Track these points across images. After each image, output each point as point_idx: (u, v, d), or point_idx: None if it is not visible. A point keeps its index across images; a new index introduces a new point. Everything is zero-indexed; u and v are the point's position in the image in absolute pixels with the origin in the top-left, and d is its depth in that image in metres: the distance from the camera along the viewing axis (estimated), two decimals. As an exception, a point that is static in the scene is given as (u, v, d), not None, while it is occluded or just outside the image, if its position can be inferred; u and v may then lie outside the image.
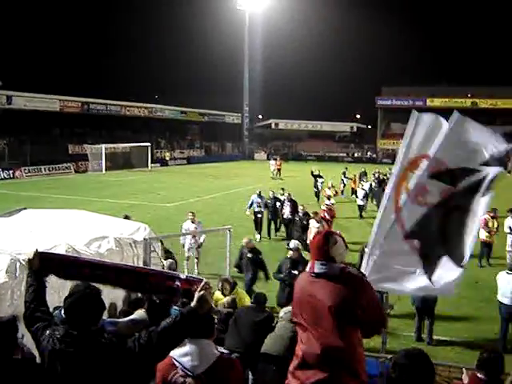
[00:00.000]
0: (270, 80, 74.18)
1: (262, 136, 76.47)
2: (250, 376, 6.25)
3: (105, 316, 4.26)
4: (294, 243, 10.44)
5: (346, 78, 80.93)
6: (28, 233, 6.72)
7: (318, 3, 78.16)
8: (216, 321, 6.70)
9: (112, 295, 6.42)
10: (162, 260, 8.65)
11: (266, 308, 7.08)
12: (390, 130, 67.71)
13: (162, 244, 9.62)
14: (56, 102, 47.25)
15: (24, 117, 42.74)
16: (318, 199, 25.79)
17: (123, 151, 49.33)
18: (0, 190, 29.29)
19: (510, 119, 58.44)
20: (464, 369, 4.59)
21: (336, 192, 24.56)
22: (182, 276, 3.77)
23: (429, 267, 4.48)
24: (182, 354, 3.59)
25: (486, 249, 14.77)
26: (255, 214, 18.13)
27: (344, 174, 30.55)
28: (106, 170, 44.02)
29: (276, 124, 77.65)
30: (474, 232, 4.57)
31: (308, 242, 13.87)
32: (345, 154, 68.77)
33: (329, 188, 23.58)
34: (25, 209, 8.45)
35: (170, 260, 9.28)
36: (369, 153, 69.03)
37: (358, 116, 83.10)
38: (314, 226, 14.51)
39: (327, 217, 16.22)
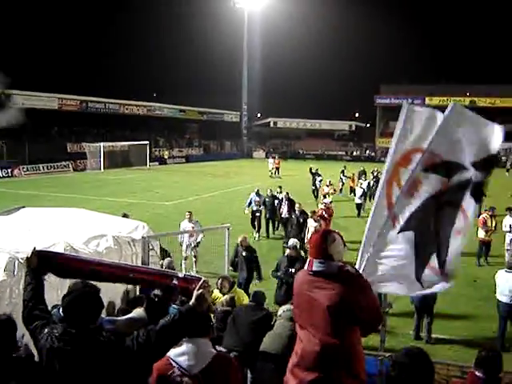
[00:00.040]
0: (268, 78, 74.19)
1: (261, 134, 76.46)
2: (249, 374, 6.26)
3: (103, 314, 4.26)
4: (292, 241, 10.45)
5: (345, 77, 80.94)
6: (26, 231, 6.72)
7: (316, 1, 78.17)
8: (214, 319, 6.72)
9: (110, 293, 6.43)
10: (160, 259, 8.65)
11: (264, 306, 7.08)
12: (388, 128, 67.60)
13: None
14: (54, 101, 47.21)
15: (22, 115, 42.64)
16: (317, 197, 25.80)
17: (122, 150, 49.31)
18: (-2, 188, 29.29)
19: (508, 118, 58.50)
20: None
21: (334, 190, 24.55)
22: (180, 275, 3.77)
23: (419, 264, 4.42)
24: (179, 354, 3.58)
25: (484, 247, 14.80)
26: (253, 212, 18.14)
27: (342, 172, 30.52)
28: (104, 168, 44.04)
29: (275, 122, 77.66)
30: (462, 240, 4.44)
31: (306, 240, 13.89)
32: (343, 153, 68.79)
33: (327, 186, 23.57)
34: (23, 207, 8.44)
35: (169, 258, 9.29)
36: (367, 151, 69.08)
37: (357, 114, 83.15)
38: (311, 225, 14.52)
39: (325, 215, 16.21)
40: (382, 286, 4.58)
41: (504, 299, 9.03)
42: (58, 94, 47.62)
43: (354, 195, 24.36)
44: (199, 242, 13.15)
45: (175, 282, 3.63)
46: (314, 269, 3.74)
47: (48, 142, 44.06)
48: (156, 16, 78.41)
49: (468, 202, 4.40)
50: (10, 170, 38.42)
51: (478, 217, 14.97)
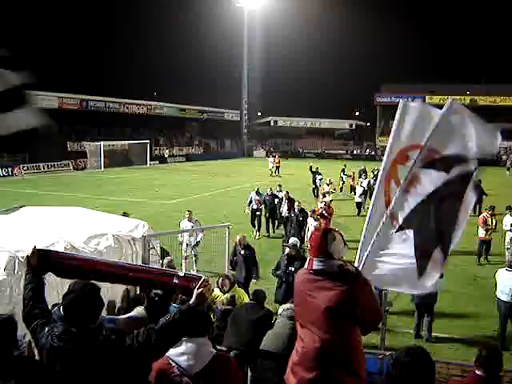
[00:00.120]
0: (268, 77, 74.06)
1: (261, 133, 76.43)
2: (250, 373, 6.25)
3: (103, 314, 4.26)
4: (292, 240, 10.45)
5: (345, 75, 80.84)
6: (27, 230, 6.72)
7: (317, 0, 78.10)
8: (214, 318, 6.73)
9: (111, 293, 6.44)
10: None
11: (264, 305, 7.08)
12: (389, 127, 67.47)
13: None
14: (54, 99, 47.16)
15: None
16: (317, 196, 25.80)
17: (122, 148, 49.34)
18: (-1, 187, 29.30)
19: (509, 117, 58.51)
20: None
21: (334, 189, 24.53)
22: (181, 273, 3.77)
23: (421, 262, 4.40)
24: (178, 354, 3.57)
25: (484, 246, 14.80)
26: (254, 211, 18.15)
27: (343, 171, 30.50)
28: (104, 167, 44.04)
29: (275, 121, 77.59)
30: (463, 226, 4.44)
31: (306, 239, 13.90)
32: (344, 152, 68.69)
33: (327, 185, 23.56)
34: (23, 206, 8.44)
35: (169, 257, 9.29)
36: (368, 150, 69.01)
37: (357, 113, 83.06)
38: (311, 224, 14.53)
39: (325, 214, 16.22)
40: (382, 282, 4.58)
41: (504, 298, 9.03)
42: (58, 92, 47.57)
43: (355, 194, 24.33)
44: (199, 242, 13.14)
45: (176, 280, 3.63)
46: (314, 267, 3.74)
47: (48, 141, 43.97)
48: (156, 15, 78.37)
49: (469, 195, 4.39)
50: (10, 169, 38.42)
51: (479, 216, 14.98)
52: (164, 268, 7.37)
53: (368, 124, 78.84)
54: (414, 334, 9.50)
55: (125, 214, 11.38)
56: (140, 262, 7.42)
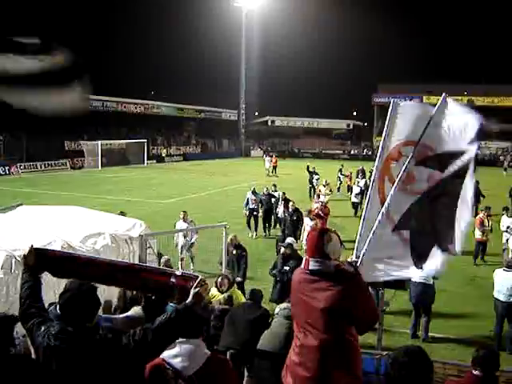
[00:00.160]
0: (266, 77, 73.96)
1: (259, 133, 76.39)
2: (246, 373, 6.25)
3: (100, 313, 4.25)
4: (288, 240, 10.46)
5: (343, 75, 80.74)
6: (24, 229, 6.71)
7: (314, 0, 78.05)
8: (212, 318, 6.72)
9: (107, 292, 6.42)
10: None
11: (261, 305, 7.07)
12: (386, 127, 67.67)
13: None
14: (52, 98, 47.03)
15: (20, 113, 42.50)
16: (312, 196, 25.76)
17: (119, 147, 49.28)
18: (-4, 186, 29.23)
19: (506, 117, 58.64)
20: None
21: (330, 191, 24.48)
22: (178, 272, 3.76)
23: (419, 258, 4.41)
24: (173, 356, 3.54)
25: (481, 247, 14.82)
26: (251, 211, 18.14)
27: (340, 171, 30.50)
28: (102, 166, 43.97)
29: (272, 121, 77.59)
30: (467, 218, 4.47)
31: (301, 239, 13.92)
32: (341, 152, 68.73)
33: (324, 186, 23.55)
34: (21, 205, 8.43)
35: (166, 257, 9.28)
36: (365, 150, 69.05)
37: (355, 113, 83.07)
38: (307, 224, 14.53)
39: (321, 214, 16.21)
40: (378, 279, 4.58)
41: (501, 297, 9.04)
42: (56, 91, 47.42)
43: (351, 194, 24.32)
44: (193, 243, 13.10)
45: (173, 279, 3.62)
46: (311, 268, 3.73)
47: (45, 140, 43.92)
48: (154, 14, 78.26)
49: (467, 185, 4.40)
50: (7, 168, 38.33)
51: (475, 217, 15.01)
52: (162, 267, 7.36)
53: (365, 124, 78.90)
54: (410, 334, 9.51)
55: (122, 214, 11.36)
56: (137, 261, 7.41)
